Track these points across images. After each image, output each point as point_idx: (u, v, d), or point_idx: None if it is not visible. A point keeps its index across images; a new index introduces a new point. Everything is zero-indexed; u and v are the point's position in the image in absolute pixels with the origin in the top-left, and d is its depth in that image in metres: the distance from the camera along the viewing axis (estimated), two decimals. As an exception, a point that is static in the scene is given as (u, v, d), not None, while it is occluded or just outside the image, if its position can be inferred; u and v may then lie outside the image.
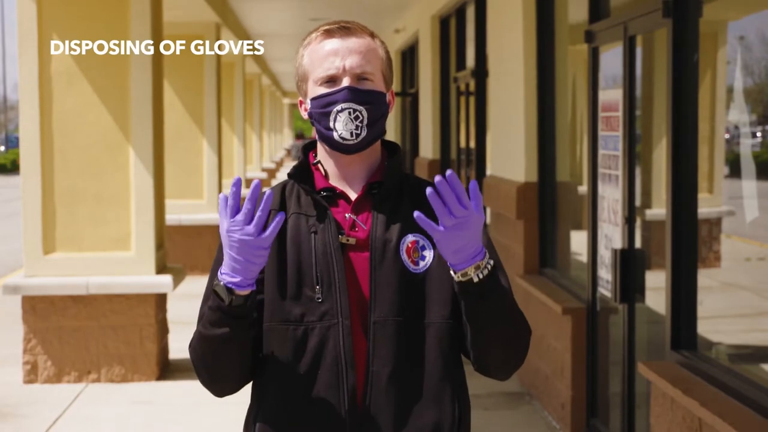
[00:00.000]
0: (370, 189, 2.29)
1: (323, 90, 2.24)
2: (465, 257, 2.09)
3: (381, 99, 2.25)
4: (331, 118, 2.22)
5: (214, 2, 11.07)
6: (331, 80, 2.23)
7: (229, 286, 2.13)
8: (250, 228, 2.07)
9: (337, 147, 2.24)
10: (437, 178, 1.99)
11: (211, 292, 2.18)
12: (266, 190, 2.10)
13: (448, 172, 2.00)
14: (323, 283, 2.22)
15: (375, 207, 2.26)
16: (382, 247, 2.23)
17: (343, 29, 2.25)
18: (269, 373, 2.25)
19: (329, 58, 2.23)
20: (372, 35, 2.29)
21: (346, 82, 2.22)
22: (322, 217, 2.25)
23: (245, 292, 2.14)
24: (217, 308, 2.15)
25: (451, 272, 2.14)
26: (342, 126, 2.21)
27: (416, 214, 2.03)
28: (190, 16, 11.49)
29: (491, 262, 2.13)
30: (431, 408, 2.22)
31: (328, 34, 2.25)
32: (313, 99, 2.26)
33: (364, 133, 2.22)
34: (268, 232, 2.08)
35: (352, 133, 2.21)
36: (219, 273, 2.15)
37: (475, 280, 2.11)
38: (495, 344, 2.22)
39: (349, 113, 2.21)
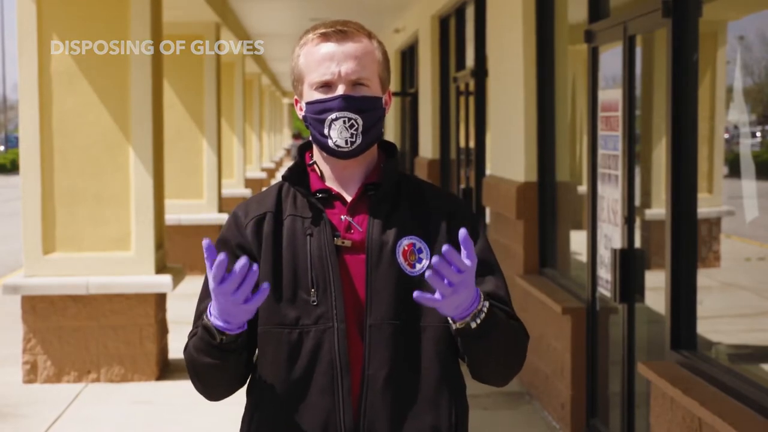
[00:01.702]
0: (366, 190, 2.28)
1: (318, 95, 2.22)
2: (464, 309, 2.09)
3: (376, 104, 2.24)
4: (326, 125, 2.21)
5: (214, 2, 11.07)
6: (327, 86, 2.21)
7: (219, 328, 2.13)
8: (237, 297, 2.04)
9: (332, 153, 2.24)
10: (435, 260, 1.96)
11: (201, 326, 2.17)
12: (254, 265, 2.03)
13: (445, 247, 1.96)
14: (318, 286, 2.21)
15: (371, 209, 2.25)
16: (378, 249, 2.22)
17: (340, 33, 2.22)
18: (265, 376, 2.25)
19: (325, 63, 2.21)
20: (369, 36, 2.27)
21: (341, 89, 2.20)
22: (318, 220, 2.24)
23: (236, 333, 2.14)
24: (207, 343, 2.15)
25: (449, 320, 2.14)
26: (337, 134, 2.20)
27: (416, 294, 2.00)
28: (190, 16, 11.49)
29: (486, 304, 2.12)
30: (428, 412, 2.21)
31: (325, 37, 2.23)
32: (308, 103, 2.24)
33: (359, 141, 2.21)
34: (252, 302, 2.05)
35: (347, 141, 2.21)
36: (208, 312, 2.15)
37: (473, 326, 2.11)
38: (492, 364, 2.24)
39: (344, 122, 2.20)
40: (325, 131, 2.21)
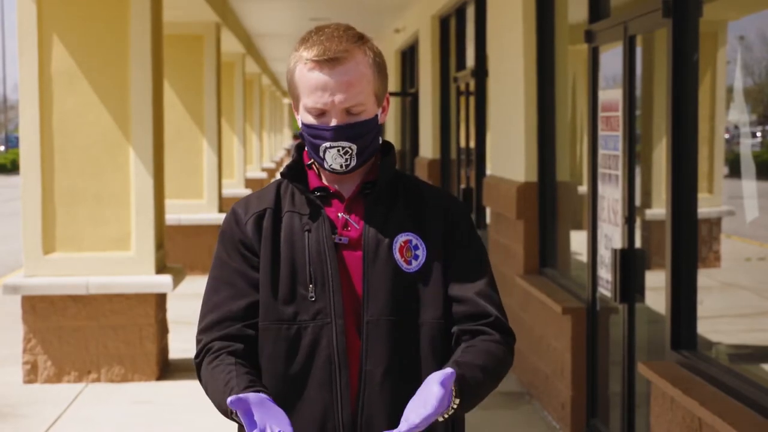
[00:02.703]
0: (363, 188, 2.29)
1: (313, 120, 2.23)
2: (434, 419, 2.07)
3: (370, 127, 2.25)
4: (321, 150, 2.22)
5: (214, 2, 11.07)
6: (320, 113, 2.21)
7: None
8: None
9: (328, 171, 2.26)
10: None
11: (228, 410, 2.11)
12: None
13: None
14: (317, 282, 2.22)
15: (368, 206, 2.27)
16: (375, 246, 2.23)
17: (331, 61, 2.18)
18: (263, 372, 2.25)
19: (317, 92, 2.19)
20: (363, 49, 2.23)
21: (334, 121, 2.20)
22: (316, 216, 2.25)
23: None
24: (233, 416, 2.11)
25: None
26: (331, 159, 2.22)
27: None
28: (190, 16, 11.49)
29: (456, 401, 2.09)
30: (425, 407, 2.22)
31: (317, 65, 2.19)
32: (304, 124, 2.26)
33: (353, 163, 2.24)
34: None
35: (341, 165, 2.23)
36: (236, 414, 2.06)
37: (440, 419, 2.09)
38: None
39: (338, 150, 2.21)
40: (321, 154, 2.23)
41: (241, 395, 1.99)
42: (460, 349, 2.23)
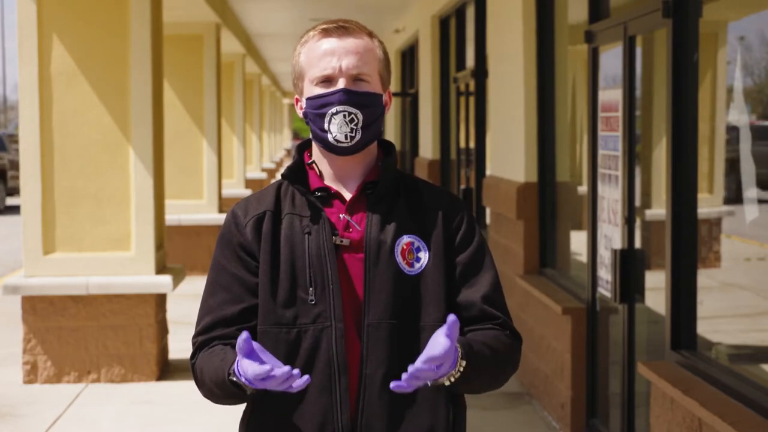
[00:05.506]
0: (364, 189, 2.28)
1: (319, 90, 2.22)
2: (439, 378, 2.07)
3: (377, 101, 2.24)
4: (326, 119, 2.20)
5: (214, 2, 11.06)
6: (327, 80, 2.22)
7: (252, 385, 2.07)
8: (275, 390, 2.02)
9: (331, 149, 2.23)
10: (406, 378, 1.98)
11: (227, 381, 2.12)
12: (299, 376, 2.00)
13: (411, 368, 1.98)
14: (317, 285, 2.21)
15: (370, 207, 2.25)
16: (377, 248, 2.22)
17: (341, 29, 2.23)
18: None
19: (326, 57, 2.21)
20: (370, 35, 2.28)
21: (341, 83, 2.20)
22: (316, 218, 2.24)
23: None
24: (234, 392, 2.13)
25: None
26: (336, 128, 2.20)
27: (392, 385, 2.00)
28: (190, 16, 11.49)
29: (463, 363, 2.09)
30: (425, 411, 2.21)
31: (326, 33, 2.24)
32: (308, 99, 2.24)
33: (358, 136, 2.21)
34: (291, 390, 2.01)
35: (346, 136, 2.20)
36: (237, 373, 2.08)
37: (447, 383, 2.09)
38: (476, 390, 2.24)
39: (344, 116, 2.20)
40: (325, 126, 2.21)
41: (248, 339, 1.98)
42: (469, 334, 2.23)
